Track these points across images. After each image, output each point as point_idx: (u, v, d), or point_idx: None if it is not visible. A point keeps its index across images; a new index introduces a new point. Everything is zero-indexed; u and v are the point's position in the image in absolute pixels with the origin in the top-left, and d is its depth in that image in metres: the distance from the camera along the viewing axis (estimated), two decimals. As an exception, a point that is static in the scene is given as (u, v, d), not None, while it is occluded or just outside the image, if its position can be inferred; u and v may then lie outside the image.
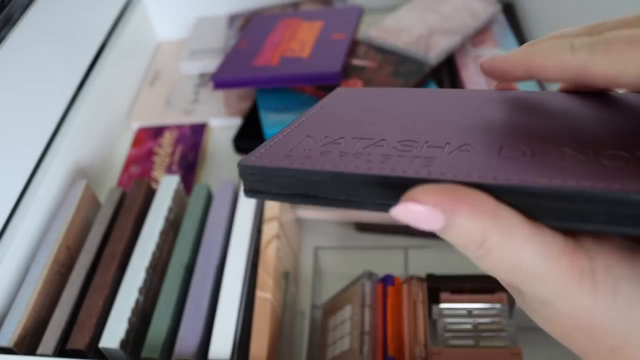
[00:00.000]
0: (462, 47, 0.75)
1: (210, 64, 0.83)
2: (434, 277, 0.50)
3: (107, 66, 0.73)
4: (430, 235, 0.64)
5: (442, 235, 0.21)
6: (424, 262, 0.61)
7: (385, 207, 0.21)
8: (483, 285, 0.49)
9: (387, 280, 0.51)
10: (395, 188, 0.21)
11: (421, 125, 0.25)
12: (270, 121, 0.64)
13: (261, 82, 0.62)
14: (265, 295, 0.49)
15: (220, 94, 0.79)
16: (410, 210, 0.20)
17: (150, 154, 0.73)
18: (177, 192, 0.58)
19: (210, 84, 0.67)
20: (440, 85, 0.70)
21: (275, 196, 0.23)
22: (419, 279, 0.50)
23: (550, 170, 0.20)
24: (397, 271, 0.61)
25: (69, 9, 0.66)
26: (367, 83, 0.65)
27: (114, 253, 0.51)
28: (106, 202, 0.58)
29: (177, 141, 0.74)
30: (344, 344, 0.51)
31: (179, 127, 0.77)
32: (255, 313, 0.48)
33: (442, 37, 0.72)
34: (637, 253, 0.20)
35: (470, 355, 0.44)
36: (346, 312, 0.53)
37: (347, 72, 0.67)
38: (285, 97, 0.67)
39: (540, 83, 0.71)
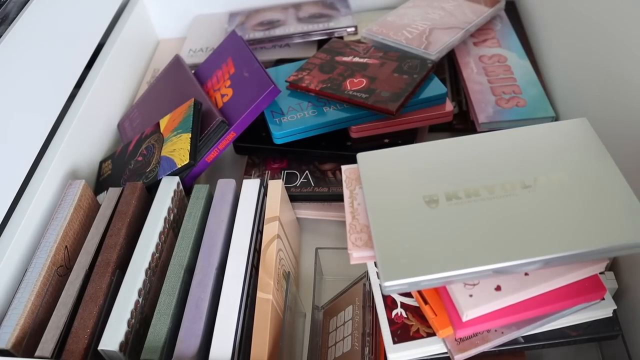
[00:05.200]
0: (464, 46, 0.75)
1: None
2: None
3: (106, 64, 0.73)
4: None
5: None
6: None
7: None
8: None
9: (389, 281, 0.51)
10: None
11: None
12: (277, 123, 0.64)
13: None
14: (266, 296, 0.49)
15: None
16: None
17: (150, 153, 0.73)
18: (176, 192, 0.58)
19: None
20: (443, 82, 0.70)
21: None
22: (421, 279, 0.50)
23: None
24: (399, 271, 0.61)
25: (66, 7, 0.66)
26: (372, 80, 0.64)
27: (107, 261, 0.50)
28: (105, 202, 0.57)
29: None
30: (346, 345, 0.50)
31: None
32: (256, 314, 0.47)
33: (443, 33, 0.71)
34: None
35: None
36: (347, 313, 0.52)
37: (350, 71, 0.67)
38: (291, 98, 0.67)
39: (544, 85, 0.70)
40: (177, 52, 0.87)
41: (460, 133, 0.72)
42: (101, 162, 0.70)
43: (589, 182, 0.42)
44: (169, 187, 0.57)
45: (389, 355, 0.44)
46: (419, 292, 0.45)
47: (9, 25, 0.55)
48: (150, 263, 0.51)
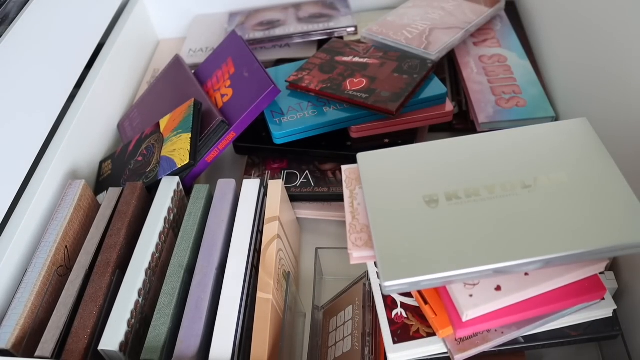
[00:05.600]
0: (464, 46, 0.75)
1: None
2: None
3: (106, 64, 0.73)
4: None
5: None
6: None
7: None
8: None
9: (389, 281, 0.51)
10: None
11: None
12: (277, 123, 0.64)
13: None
14: (266, 296, 0.49)
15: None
16: None
17: (150, 153, 0.73)
18: (176, 192, 0.58)
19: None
20: (443, 82, 0.70)
21: None
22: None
23: None
24: (399, 271, 0.61)
25: (66, 8, 0.66)
26: (372, 80, 0.64)
27: (107, 261, 0.50)
28: (105, 202, 0.57)
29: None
30: (346, 345, 0.50)
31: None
32: (256, 314, 0.47)
33: (443, 33, 0.71)
34: None
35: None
36: (347, 313, 0.52)
37: (350, 71, 0.67)
38: (291, 98, 0.67)
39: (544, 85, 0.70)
40: (177, 52, 0.88)
41: (460, 133, 0.72)
42: (101, 162, 0.70)
43: (589, 182, 0.42)
44: (169, 187, 0.57)
45: (389, 355, 0.44)
46: (419, 292, 0.45)
47: (9, 25, 0.55)
48: (150, 263, 0.51)
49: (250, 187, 0.57)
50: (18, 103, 0.55)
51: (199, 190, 0.57)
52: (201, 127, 0.62)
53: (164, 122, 0.64)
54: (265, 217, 0.55)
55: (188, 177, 0.61)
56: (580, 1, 0.60)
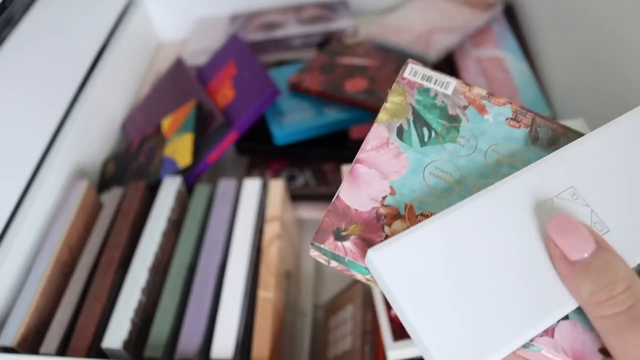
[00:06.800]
0: (462, 48, 0.75)
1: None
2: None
3: (108, 66, 0.73)
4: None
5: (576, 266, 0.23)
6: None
7: None
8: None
9: (389, 279, 0.51)
10: None
11: None
12: (278, 124, 0.64)
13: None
14: (267, 295, 0.49)
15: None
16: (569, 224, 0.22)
17: (152, 154, 0.73)
18: (179, 192, 0.58)
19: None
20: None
21: None
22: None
23: None
24: (398, 271, 0.61)
25: (69, 10, 0.66)
26: (372, 82, 0.65)
27: (111, 260, 0.51)
28: (108, 202, 0.58)
29: (178, 141, 0.74)
30: (346, 343, 0.51)
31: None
32: (257, 313, 0.48)
33: (443, 35, 0.72)
34: None
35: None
36: (347, 311, 0.53)
37: (350, 72, 0.67)
38: (292, 99, 0.68)
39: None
40: (179, 54, 0.88)
41: (459, 134, 0.72)
42: (104, 163, 0.70)
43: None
44: (171, 187, 0.57)
45: (388, 353, 0.45)
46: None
47: (14, 26, 0.56)
48: (153, 262, 0.52)
49: (251, 186, 0.57)
50: (22, 104, 0.56)
51: (201, 190, 0.58)
52: (203, 128, 0.62)
53: (166, 123, 0.65)
54: (266, 217, 0.55)
55: (190, 177, 0.62)
56: (578, 3, 0.61)
